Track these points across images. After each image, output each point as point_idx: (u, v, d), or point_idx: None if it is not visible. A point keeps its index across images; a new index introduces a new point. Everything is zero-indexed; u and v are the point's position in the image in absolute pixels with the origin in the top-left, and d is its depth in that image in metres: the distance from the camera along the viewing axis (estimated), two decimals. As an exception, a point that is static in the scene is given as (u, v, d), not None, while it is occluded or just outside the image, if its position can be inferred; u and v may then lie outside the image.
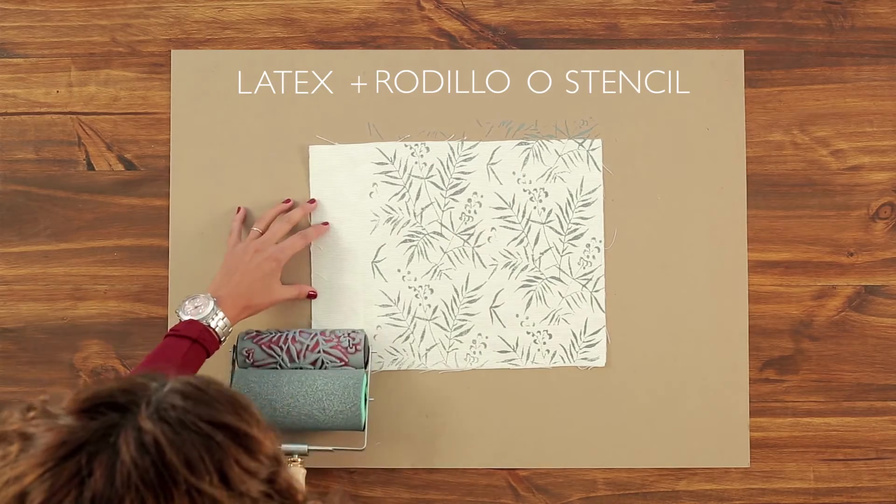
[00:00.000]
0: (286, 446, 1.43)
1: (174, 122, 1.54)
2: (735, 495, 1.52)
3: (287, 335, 1.48)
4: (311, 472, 1.48)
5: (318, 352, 1.46)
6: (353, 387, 1.43)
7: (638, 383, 1.52)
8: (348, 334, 1.48)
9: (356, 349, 1.47)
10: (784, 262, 1.53)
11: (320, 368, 1.47)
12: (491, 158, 1.53)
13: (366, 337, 1.49)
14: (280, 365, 1.47)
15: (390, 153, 1.53)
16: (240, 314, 1.41)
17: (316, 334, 1.48)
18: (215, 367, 1.44)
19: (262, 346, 1.47)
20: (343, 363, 1.47)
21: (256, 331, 1.49)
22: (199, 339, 1.35)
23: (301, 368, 1.46)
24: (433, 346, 1.52)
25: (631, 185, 1.53)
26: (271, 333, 1.48)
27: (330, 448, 1.46)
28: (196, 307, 1.38)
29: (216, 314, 1.37)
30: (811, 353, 1.53)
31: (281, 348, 1.47)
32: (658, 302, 1.52)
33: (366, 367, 1.47)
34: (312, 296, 1.50)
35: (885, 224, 1.54)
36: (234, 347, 1.48)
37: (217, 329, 1.37)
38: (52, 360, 1.53)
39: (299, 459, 1.43)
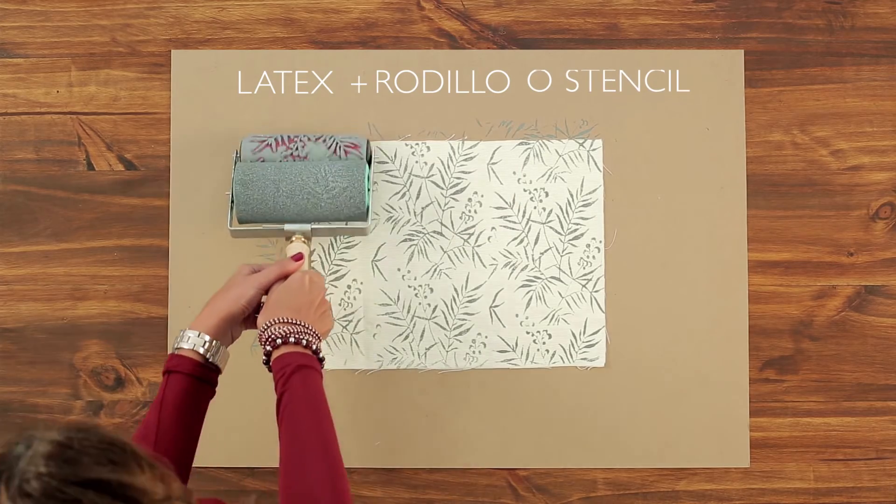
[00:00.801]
0: (290, 226, 1.44)
1: (174, 122, 1.54)
2: (735, 495, 1.52)
3: (291, 136, 1.48)
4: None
5: (322, 147, 1.47)
6: (357, 170, 1.43)
7: (638, 383, 1.52)
8: (349, 139, 1.48)
9: (358, 148, 1.47)
10: (784, 262, 1.54)
11: (325, 158, 1.47)
12: (491, 158, 1.53)
13: (368, 140, 1.49)
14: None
15: (391, 152, 1.53)
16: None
17: (320, 136, 1.48)
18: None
19: (265, 144, 1.47)
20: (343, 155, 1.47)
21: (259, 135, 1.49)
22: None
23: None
24: (433, 346, 1.52)
25: (631, 185, 1.53)
26: (275, 135, 1.49)
27: (334, 225, 1.46)
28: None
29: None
30: (811, 353, 1.53)
31: (284, 146, 1.47)
32: (658, 302, 1.52)
33: (368, 163, 1.48)
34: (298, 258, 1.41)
35: (885, 224, 1.54)
36: (237, 150, 1.48)
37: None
38: (52, 360, 1.53)
39: (303, 239, 1.43)
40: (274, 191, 1.43)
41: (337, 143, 1.47)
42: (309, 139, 1.48)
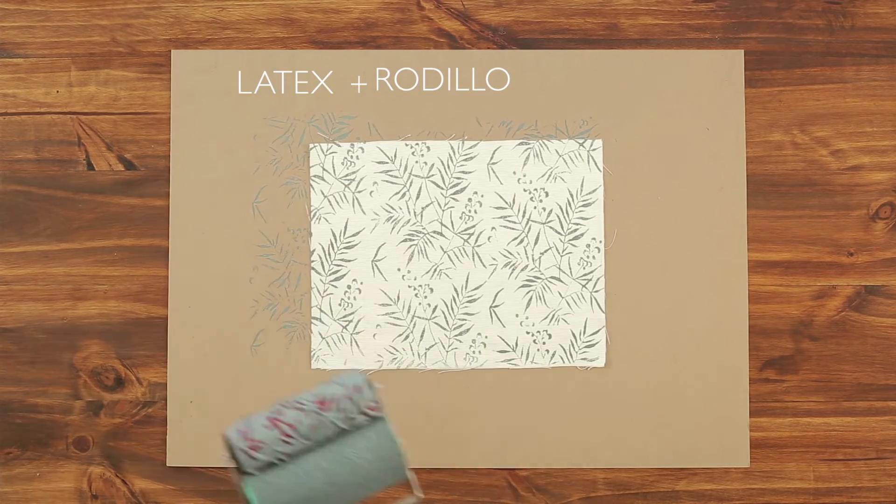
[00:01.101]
0: None
1: (174, 122, 1.54)
2: (735, 495, 1.52)
3: (282, 413, 1.15)
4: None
5: (328, 419, 1.17)
6: (387, 439, 1.18)
7: (638, 383, 1.52)
8: (347, 389, 1.18)
9: (365, 404, 1.19)
10: (784, 262, 1.54)
11: (339, 434, 1.17)
12: (492, 158, 1.53)
13: (367, 382, 1.19)
14: (292, 452, 1.15)
15: (391, 152, 1.53)
16: None
17: (310, 402, 1.16)
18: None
19: (262, 434, 1.14)
20: (357, 418, 1.19)
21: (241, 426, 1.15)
22: None
23: (319, 444, 1.16)
24: (433, 346, 1.52)
25: (631, 185, 1.53)
26: (259, 418, 1.15)
27: None
28: None
29: None
30: (811, 353, 1.53)
31: (285, 431, 1.15)
32: (658, 302, 1.52)
33: (380, 413, 1.20)
34: None
35: (885, 224, 1.54)
36: (230, 448, 1.13)
37: None
38: (52, 360, 1.53)
39: None
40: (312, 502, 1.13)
41: (339, 406, 1.17)
42: (304, 409, 1.14)
